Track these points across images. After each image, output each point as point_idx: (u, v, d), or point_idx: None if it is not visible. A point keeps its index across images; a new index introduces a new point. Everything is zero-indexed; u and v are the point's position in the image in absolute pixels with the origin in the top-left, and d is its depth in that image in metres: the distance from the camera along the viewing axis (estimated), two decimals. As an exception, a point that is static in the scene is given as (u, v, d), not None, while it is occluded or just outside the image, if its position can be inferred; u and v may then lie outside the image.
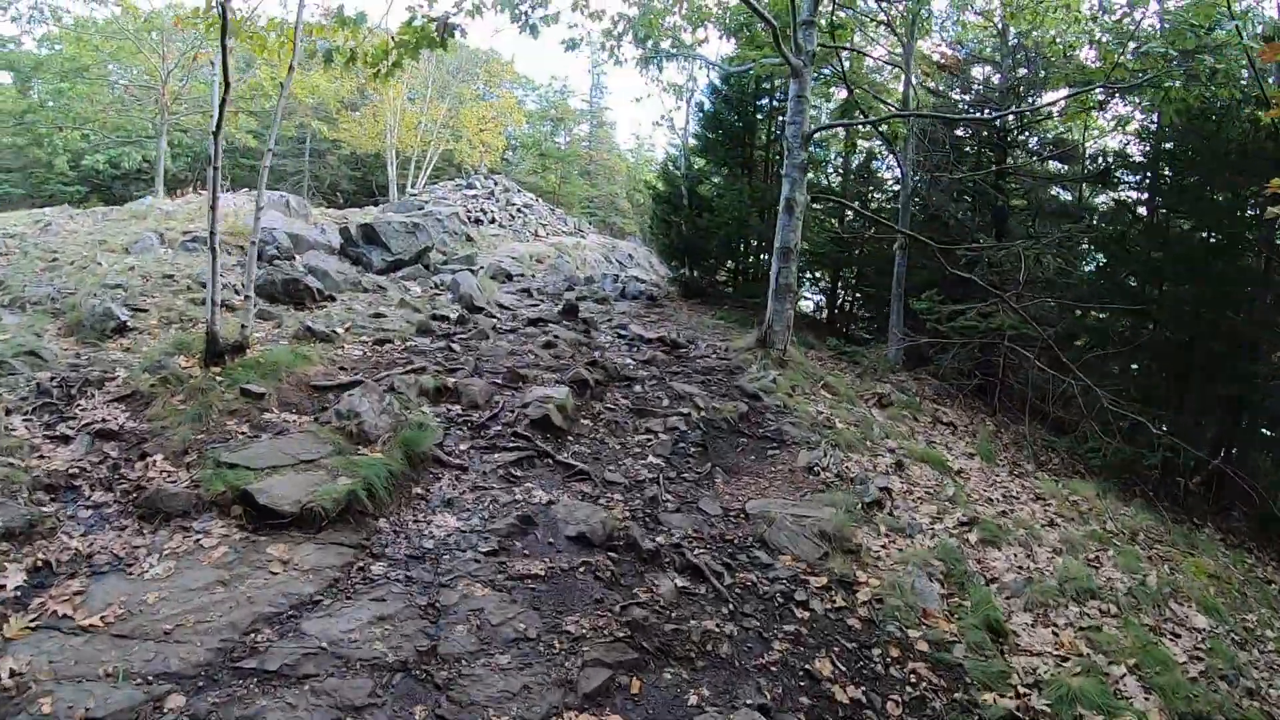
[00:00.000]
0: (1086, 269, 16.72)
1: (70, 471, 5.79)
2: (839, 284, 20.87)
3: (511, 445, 6.78)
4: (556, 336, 10.39)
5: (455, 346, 9.18)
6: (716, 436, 8.24)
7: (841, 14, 15.17)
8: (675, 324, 14.09)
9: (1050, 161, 17.56)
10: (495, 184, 27.84)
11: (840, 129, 19.20)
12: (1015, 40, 16.80)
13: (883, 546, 6.50)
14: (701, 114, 19.35)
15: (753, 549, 6.03)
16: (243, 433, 6.16)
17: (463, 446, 6.71)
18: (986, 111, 16.42)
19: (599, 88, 50.13)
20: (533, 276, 17.64)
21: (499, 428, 7.14)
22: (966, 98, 18.40)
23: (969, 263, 14.99)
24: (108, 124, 28.15)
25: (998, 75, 17.61)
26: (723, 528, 6.28)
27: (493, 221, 24.79)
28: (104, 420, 6.44)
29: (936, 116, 14.72)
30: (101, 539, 5.07)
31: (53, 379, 7.01)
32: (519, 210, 26.45)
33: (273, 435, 6.07)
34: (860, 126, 17.68)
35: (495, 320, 11.30)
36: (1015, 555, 6.81)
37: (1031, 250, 13.48)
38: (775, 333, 11.64)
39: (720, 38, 17.56)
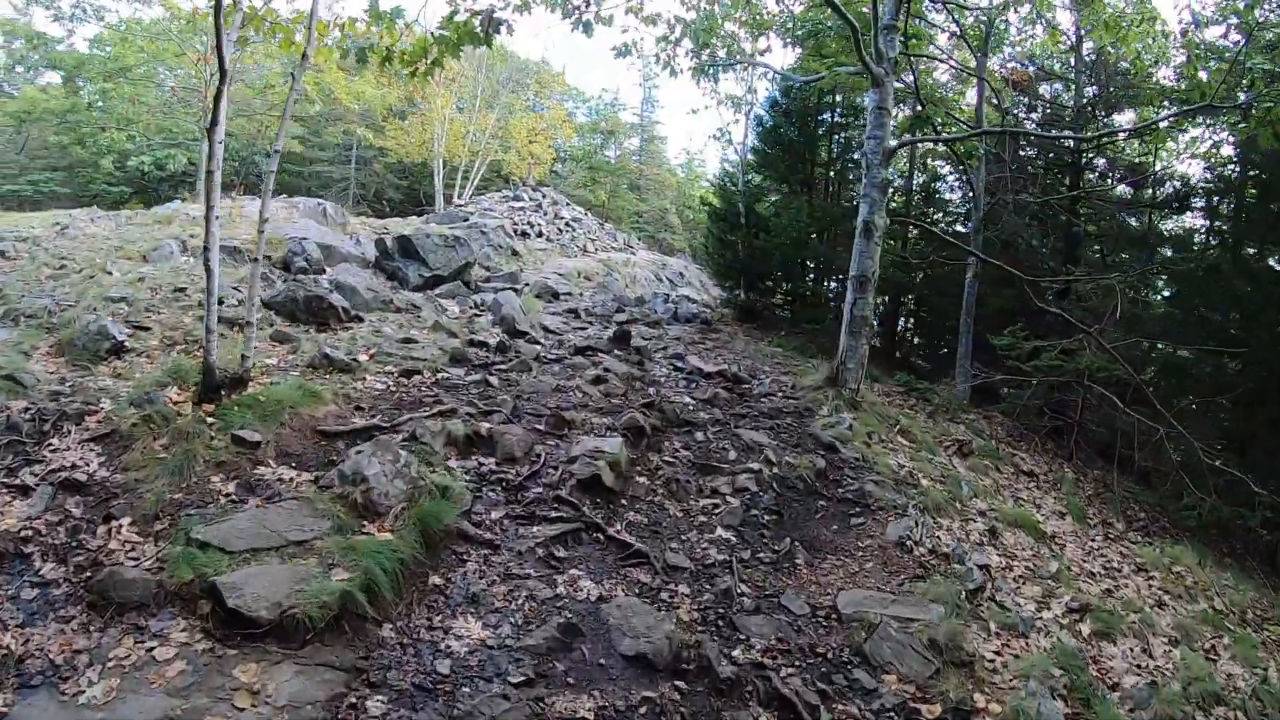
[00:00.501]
0: (1158, 301, 15.44)
1: (23, 533, 4.75)
2: (899, 310, 19.39)
3: (554, 515, 5.57)
4: (607, 370, 9.20)
5: (493, 380, 8.02)
6: (792, 500, 6.99)
7: (915, 23, 13.88)
8: (733, 353, 12.88)
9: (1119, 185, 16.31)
10: (543, 196, 26.85)
11: (907, 146, 17.90)
12: (1092, 56, 15.49)
13: (996, 653, 5.29)
14: (760, 128, 18.17)
15: (851, 666, 4.78)
16: (228, 494, 5.04)
17: (495, 514, 5.51)
18: (1058, 130, 15.21)
19: (650, 101, 49.04)
20: (580, 295, 16.52)
21: (539, 489, 5.94)
22: (1034, 116, 17.10)
23: (1056, 294, 13.65)
24: (151, 125, 27.79)
25: (1069, 93, 16.41)
26: (812, 635, 5.01)
27: (540, 235, 23.78)
28: (73, 466, 5.39)
29: (1035, 135, 13.31)
30: (40, 634, 4.01)
31: (27, 410, 6.00)
32: (567, 224, 25.42)
33: (261, 501, 4.93)
34: (932, 144, 16.26)
35: (539, 347, 10.15)
36: (1131, 650, 5.84)
37: (1124, 282, 12.11)
38: (848, 370, 10.34)
39: (785, 46, 16.22)
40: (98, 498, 5.10)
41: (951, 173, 19.19)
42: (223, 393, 6.25)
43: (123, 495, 5.08)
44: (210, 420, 5.82)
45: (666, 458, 7.30)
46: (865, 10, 11.43)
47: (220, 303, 8.92)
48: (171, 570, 4.18)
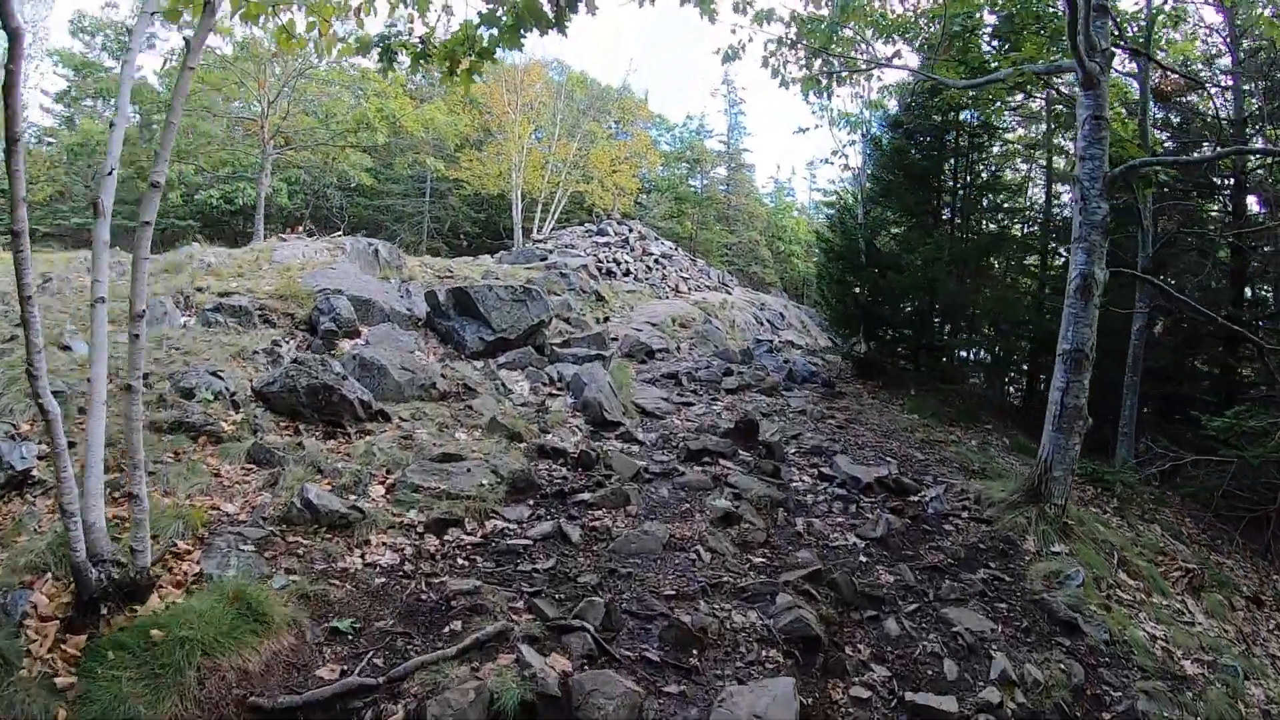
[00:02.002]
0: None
1: None
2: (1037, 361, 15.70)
3: None
4: (737, 495, 6.22)
5: (573, 534, 5.08)
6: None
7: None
8: (869, 428, 10.06)
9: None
10: (630, 230, 24.15)
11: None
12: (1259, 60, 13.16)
13: None
14: (879, 151, 15.06)
15: None
16: None
17: None
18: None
19: (737, 129, 46.34)
20: (678, 349, 13.61)
21: None
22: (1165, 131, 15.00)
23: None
24: (215, 158, 26.39)
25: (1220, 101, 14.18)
26: None
27: (627, 274, 21.04)
28: None
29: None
30: None
31: None
32: (657, 261, 22.62)
33: None
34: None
35: (638, 449, 7.23)
36: None
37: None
38: (1054, 480, 7.17)
39: (916, 51, 13.05)
40: None
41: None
42: (104, 612, 3.50)
43: None
44: (68, 673, 3.06)
45: (857, 689, 4.24)
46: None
47: (188, 396, 6.35)
48: None
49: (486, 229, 35.18)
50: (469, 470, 5.73)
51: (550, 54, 39.62)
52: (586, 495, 5.79)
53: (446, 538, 4.87)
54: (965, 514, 7.23)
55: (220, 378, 6.49)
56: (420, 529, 4.87)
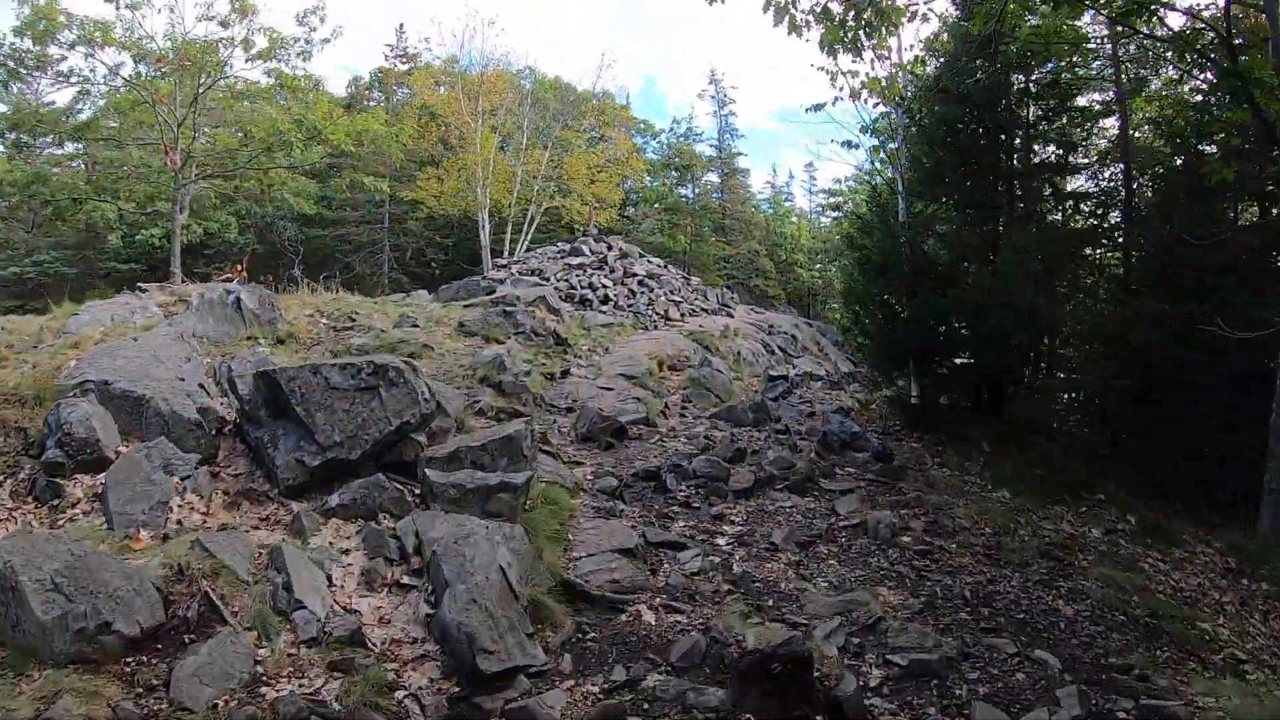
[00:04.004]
0: None
1: None
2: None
3: None
4: None
5: None
6: None
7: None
8: (966, 547, 6.53)
9: None
10: (608, 248, 20.39)
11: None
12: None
13: None
14: (919, 128, 11.36)
15: None
16: None
17: None
18: None
19: (729, 131, 42.63)
20: (664, 412, 9.83)
21: None
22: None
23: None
24: (139, 192, 22.70)
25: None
26: None
27: (605, 301, 17.32)
28: None
29: None
30: None
31: None
32: (641, 283, 18.85)
33: None
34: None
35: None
36: None
37: None
38: None
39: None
40: None
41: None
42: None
43: None
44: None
45: None
46: None
47: None
48: None
49: (458, 254, 31.48)
50: None
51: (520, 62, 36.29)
52: None
53: None
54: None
55: None
56: None
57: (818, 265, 41.30)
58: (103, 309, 8.74)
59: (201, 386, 6.50)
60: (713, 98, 41.61)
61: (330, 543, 4.74)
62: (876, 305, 10.90)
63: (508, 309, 11.71)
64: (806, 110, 9.87)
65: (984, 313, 9.37)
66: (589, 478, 6.75)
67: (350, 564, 4.52)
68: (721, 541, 5.75)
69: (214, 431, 6.06)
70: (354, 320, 10.50)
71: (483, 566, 4.08)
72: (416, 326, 10.56)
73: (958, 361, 10.79)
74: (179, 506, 5.13)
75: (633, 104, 50.34)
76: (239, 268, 17.07)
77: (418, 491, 5.19)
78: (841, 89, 9.49)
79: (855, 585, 5.34)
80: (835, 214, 42.75)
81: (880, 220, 10.78)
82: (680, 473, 7.15)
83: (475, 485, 4.84)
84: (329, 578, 4.39)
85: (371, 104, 32.65)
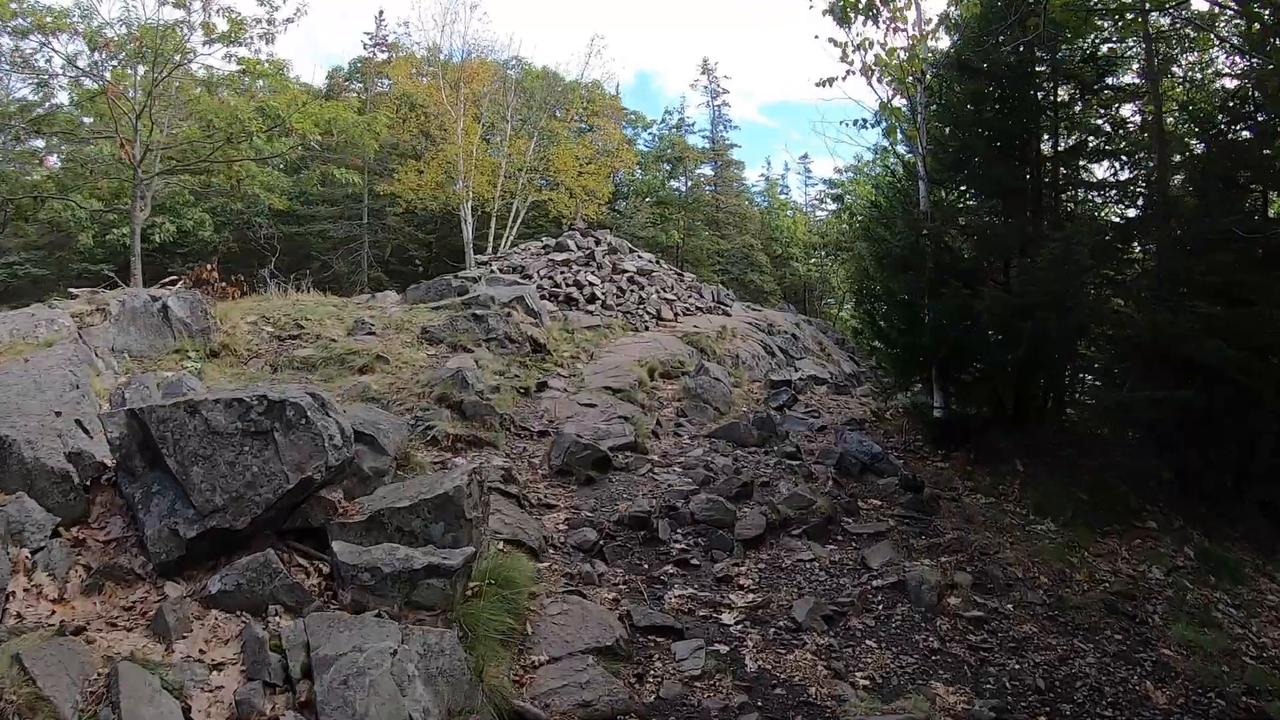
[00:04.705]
0: None
1: None
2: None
3: None
4: None
5: None
6: None
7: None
8: (1022, 606, 5.47)
9: None
10: (596, 243, 19.05)
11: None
12: None
13: None
14: (939, 105, 10.08)
15: None
16: None
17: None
18: None
19: (722, 121, 41.32)
20: (655, 433, 8.59)
21: None
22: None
23: None
24: (104, 189, 21.38)
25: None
26: None
27: (593, 300, 16.02)
28: None
29: None
30: None
31: None
32: (632, 280, 17.54)
33: None
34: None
35: None
36: None
37: None
38: None
39: None
40: None
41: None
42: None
43: None
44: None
45: None
46: None
47: None
48: None
49: (442, 250, 30.09)
50: None
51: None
52: None
53: None
54: None
55: None
56: None
57: (814, 260, 40.05)
58: (3, 322, 7.41)
59: (79, 423, 5.19)
60: (705, 88, 40.46)
61: (201, 652, 3.45)
62: (895, 305, 9.69)
63: (479, 312, 10.39)
64: (816, 84, 8.60)
65: (1024, 314, 8.12)
66: (561, 528, 5.46)
67: (221, 687, 3.23)
68: (729, 619, 4.49)
69: (89, 482, 4.74)
70: (301, 330, 9.19)
71: (378, 695, 2.82)
72: (372, 334, 9.25)
73: (983, 367, 9.60)
74: (24, 592, 3.83)
75: (625, 99, 48.92)
76: (208, 267, 15.68)
77: (327, 569, 3.90)
78: (852, 64, 8.25)
79: (904, 681, 4.10)
80: (835, 205, 41.47)
81: (905, 210, 9.51)
82: (675, 517, 5.87)
83: (396, 569, 3.54)
84: (186, 712, 3.09)
85: (351, 95, 31.31)
